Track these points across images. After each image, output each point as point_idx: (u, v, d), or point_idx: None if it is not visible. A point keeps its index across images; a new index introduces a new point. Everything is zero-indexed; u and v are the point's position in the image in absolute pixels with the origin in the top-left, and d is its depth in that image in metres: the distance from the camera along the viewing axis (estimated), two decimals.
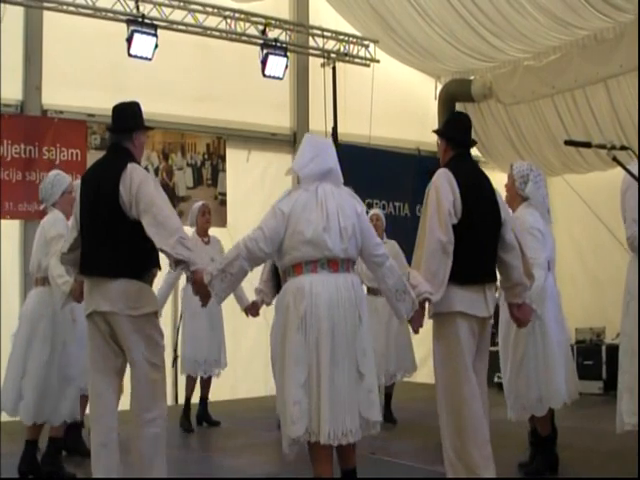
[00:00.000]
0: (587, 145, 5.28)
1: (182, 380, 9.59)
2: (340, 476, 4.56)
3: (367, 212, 6.93)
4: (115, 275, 4.64)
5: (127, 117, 4.96)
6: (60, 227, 5.72)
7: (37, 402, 5.71)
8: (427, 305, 4.73)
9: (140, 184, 4.60)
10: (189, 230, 7.89)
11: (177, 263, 4.57)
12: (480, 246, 4.75)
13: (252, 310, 6.89)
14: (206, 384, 8.08)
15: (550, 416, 5.72)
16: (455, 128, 5.04)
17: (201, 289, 4.64)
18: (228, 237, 8.80)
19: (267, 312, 6.85)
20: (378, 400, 4.58)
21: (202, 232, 7.96)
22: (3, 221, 9.14)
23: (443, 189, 4.67)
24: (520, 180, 5.78)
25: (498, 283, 5.04)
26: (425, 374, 9.03)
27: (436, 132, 5.11)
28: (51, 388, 5.68)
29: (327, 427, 4.26)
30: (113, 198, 4.61)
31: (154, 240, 4.54)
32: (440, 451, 4.72)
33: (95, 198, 4.74)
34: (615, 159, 4.48)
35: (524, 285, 4.91)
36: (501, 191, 6.36)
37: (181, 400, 9.74)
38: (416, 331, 4.91)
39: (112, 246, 4.66)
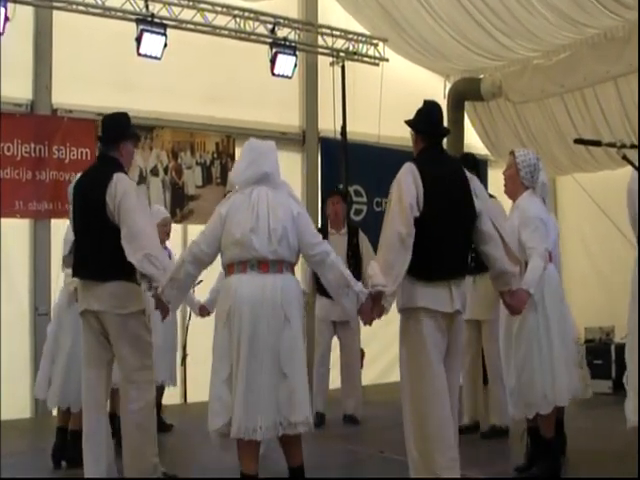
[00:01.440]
0: (597, 144, 5.27)
1: (191, 379, 9.65)
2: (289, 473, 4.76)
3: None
4: (105, 279, 5.03)
5: (114, 127, 5.32)
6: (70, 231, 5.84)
7: (62, 388, 6.04)
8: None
9: (123, 195, 4.94)
10: None
11: (142, 277, 4.91)
12: (445, 241, 4.63)
13: None
14: None
15: (555, 419, 5.60)
16: (424, 119, 4.93)
17: (160, 304, 4.91)
18: None
19: None
20: (305, 400, 4.63)
21: None
22: (13, 220, 9.16)
23: (406, 184, 4.60)
24: (526, 170, 5.61)
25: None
26: None
27: (407, 123, 5.02)
28: (75, 376, 5.81)
29: (237, 422, 4.44)
30: (100, 207, 4.97)
31: (125, 251, 4.88)
32: None
33: (84, 206, 5.15)
34: (625, 157, 4.48)
35: (509, 272, 4.77)
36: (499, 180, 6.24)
37: (190, 399, 9.78)
38: (367, 323, 4.88)
39: (102, 251, 5.04)
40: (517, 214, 5.58)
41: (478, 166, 7.04)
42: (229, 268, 4.72)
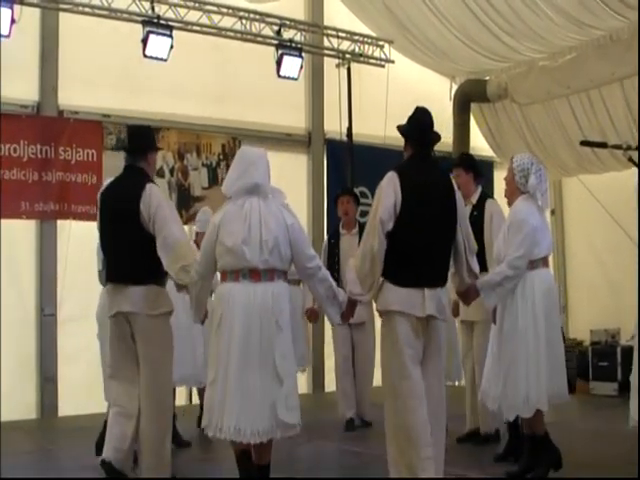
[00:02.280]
0: (603, 145, 5.29)
1: None
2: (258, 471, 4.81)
3: None
4: (138, 282, 5.23)
5: (141, 139, 5.60)
6: None
7: None
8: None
9: (158, 206, 5.19)
10: None
11: (179, 287, 5.25)
12: (420, 249, 4.76)
13: (312, 316, 7.56)
14: None
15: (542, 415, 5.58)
16: (414, 125, 5.01)
17: None
18: None
19: None
20: (297, 404, 4.73)
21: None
22: (19, 221, 9.17)
23: (385, 193, 4.77)
24: (520, 174, 5.57)
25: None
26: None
27: (398, 128, 5.10)
28: None
29: (233, 422, 4.53)
30: (134, 214, 5.19)
31: (162, 262, 5.15)
32: (455, 452, 4.72)
33: (116, 214, 5.34)
34: (631, 159, 4.49)
35: (466, 283, 5.12)
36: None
37: (196, 400, 9.76)
38: (345, 322, 5.28)
39: (134, 256, 5.26)
40: (509, 218, 5.62)
41: (476, 167, 6.97)
42: (223, 275, 4.86)
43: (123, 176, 5.57)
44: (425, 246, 4.76)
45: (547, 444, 5.47)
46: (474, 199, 6.76)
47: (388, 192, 4.75)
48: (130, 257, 5.28)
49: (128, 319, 5.27)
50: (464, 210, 5.12)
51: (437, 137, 5.06)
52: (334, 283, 5.01)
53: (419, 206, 4.75)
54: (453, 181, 5.07)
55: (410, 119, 5.04)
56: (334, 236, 8.14)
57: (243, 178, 4.87)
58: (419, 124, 4.98)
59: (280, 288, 4.80)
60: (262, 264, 4.71)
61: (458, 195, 5.00)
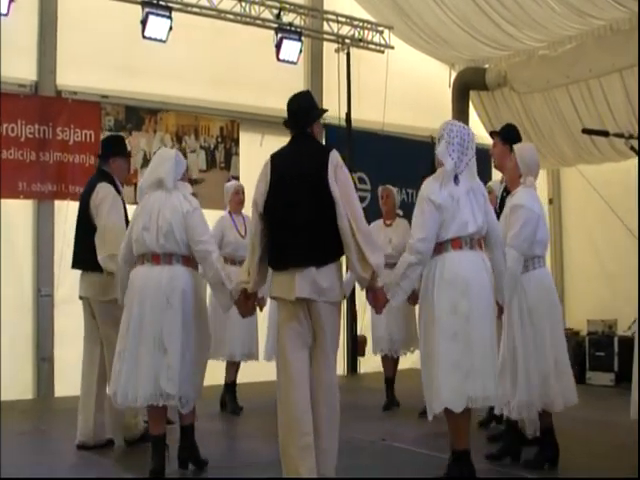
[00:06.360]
0: (604, 134, 5.27)
1: None
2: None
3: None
4: (87, 269, 6.11)
5: (107, 147, 6.45)
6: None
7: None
8: None
9: (100, 202, 6.01)
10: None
11: (108, 273, 5.86)
12: (283, 230, 4.73)
13: None
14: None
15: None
16: (288, 109, 5.09)
17: None
18: None
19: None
20: (176, 376, 5.11)
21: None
22: (17, 201, 9.16)
23: (259, 179, 4.93)
24: (437, 141, 4.97)
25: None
26: None
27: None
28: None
29: (121, 390, 5.15)
30: (86, 209, 6.09)
31: (96, 249, 5.92)
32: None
33: (79, 209, 6.26)
34: (633, 148, 4.49)
35: (361, 278, 4.68)
36: None
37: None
38: (244, 316, 5.29)
39: (86, 247, 6.03)
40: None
41: (514, 140, 6.03)
42: (135, 261, 5.38)
43: (90, 178, 6.45)
44: (288, 228, 4.70)
45: (466, 461, 4.80)
46: None
47: (261, 177, 4.90)
48: (81, 247, 6.14)
49: (88, 302, 6.17)
50: (349, 189, 4.70)
51: (311, 118, 5.07)
52: (225, 272, 5.27)
53: (282, 188, 4.76)
54: (334, 157, 4.73)
55: (287, 103, 5.12)
56: None
57: (153, 174, 5.46)
58: (289, 109, 5.08)
59: (177, 270, 5.26)
60: (159, 248, 5.24)
61: (341, 174, 4.68)
